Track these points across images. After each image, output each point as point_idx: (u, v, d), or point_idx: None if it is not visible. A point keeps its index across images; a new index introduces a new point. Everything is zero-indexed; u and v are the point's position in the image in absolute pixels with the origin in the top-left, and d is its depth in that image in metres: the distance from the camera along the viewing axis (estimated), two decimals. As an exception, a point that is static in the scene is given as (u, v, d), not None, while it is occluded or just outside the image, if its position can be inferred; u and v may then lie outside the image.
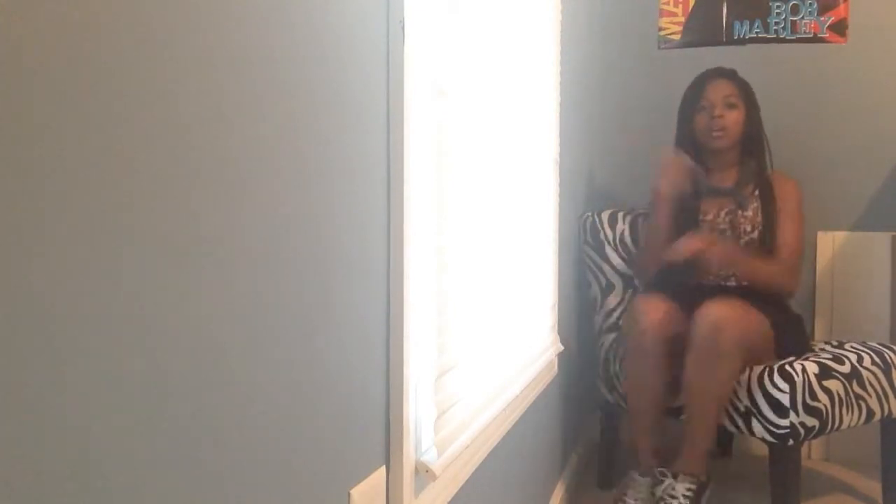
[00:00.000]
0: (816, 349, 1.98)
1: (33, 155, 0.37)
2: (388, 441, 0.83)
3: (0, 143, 0.35)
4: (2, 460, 0.35)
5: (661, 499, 1.78)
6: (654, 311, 1.85)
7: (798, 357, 1.86)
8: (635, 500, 1.87)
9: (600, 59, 2.66)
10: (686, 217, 2.03)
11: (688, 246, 1.87)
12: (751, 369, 1.79)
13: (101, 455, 0.41)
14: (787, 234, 1.98)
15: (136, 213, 0.44)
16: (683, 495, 1.76)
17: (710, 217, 2.02)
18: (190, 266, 0.49)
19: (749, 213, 2.00)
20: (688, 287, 2.05)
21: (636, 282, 2.26)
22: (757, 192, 2.02)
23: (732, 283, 2.00)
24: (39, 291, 0.37)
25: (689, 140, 2.07)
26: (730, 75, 2.05)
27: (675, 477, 1.78)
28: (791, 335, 1.91)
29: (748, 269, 1.94)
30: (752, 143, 2.03)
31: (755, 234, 1.98)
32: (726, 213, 2.01)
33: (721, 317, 1.72)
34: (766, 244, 1.97)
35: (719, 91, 2.01)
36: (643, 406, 1.88)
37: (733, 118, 2.00)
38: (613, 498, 1.93)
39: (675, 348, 1.85)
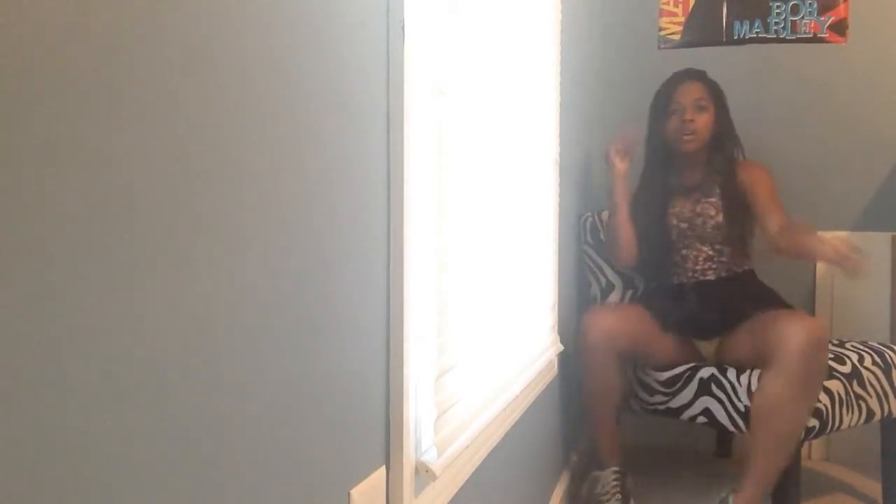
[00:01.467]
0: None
1: (32, 155, 0.37)
2: (388, 441, 0.83)
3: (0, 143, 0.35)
4: (2, 461, 0.35)
5: None
6: (599, 327, 1.86)
7: None
8: (605, 492, 1.92)
9: (600, 59, 2.66)
10: (652, 212, 2.06)
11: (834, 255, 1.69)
12: (751, 370, 1.79)
13: (101, 455, 0.41)
14: (778, 216, 1.95)
15: (135, 213, 0.44)
16: None
17: (676, 209, 2.05)
18: (188, 265, 0.49)
19: (713, 198, 2.02)
20: (666, 288, 2.05)
21: (636, 281, 2.26)
22: (720, 179, 2.04)
23: (711, 276, 2.01)
24: (38, 292, 0.37)
25: (659, 141, 2.10)
26: (699, 77, 2.07)
27: None
28: None
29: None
30: (721, 141, 2.05)
31: (720, 218, 1.99)
32: (693, 203, 2.04)
33: (817, 335, 1.60)
34: (733, 223, 1.98)
35: (689, 94, 2.03)
36: (601, 414, 1.93)
37: (703, 121, 2.02)
38: (588, 501, 1.96)
39: (627, 356, 1.91)
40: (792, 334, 1.62)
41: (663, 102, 2.07)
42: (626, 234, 2.07)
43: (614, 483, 1.92)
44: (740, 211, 2.00)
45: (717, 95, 2.05)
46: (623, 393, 1.95)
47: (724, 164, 2.04)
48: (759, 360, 1.75)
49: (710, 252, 2.01)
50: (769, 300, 1.94)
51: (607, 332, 1.85)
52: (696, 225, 2.01)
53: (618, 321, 1.87)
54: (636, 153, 2.11)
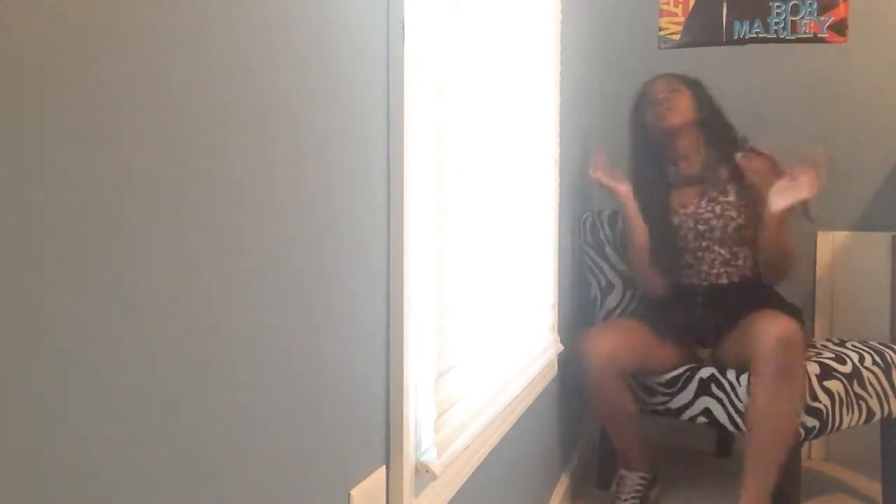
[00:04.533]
0: (818, 345, 1.98)
1: (33, 156, 0.37)
2: (388, 441, 0.83)
3: (0, 143, 0.35)
4: (3, 464, 0.35)
5: None
6: (599, 350, 1.82)
7: None
8: (626, 498, 1.90)
9: (600, 60, 2.66)
10: (656, 213, 2.01)
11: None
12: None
13: (102, 456, 0.41)
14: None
15: (135, 215, 0.44)
16: None
17: (690, 209, 1.99)
18: (190, 266, 0.49)
19: (731, 198, 1.96)
20: (678, 292, 2.03)
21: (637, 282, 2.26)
22: (729, 176, 1.98)
23: (724, 280, 1.97)
24: (40, 294, 0.37)
25: (646, 142, 2.06)
26: (671, 74, 2.06)
27: None
28: None
29: (783, 237, 1.85)
30: (710, 126, 2.01)
31: (741, 220, 1.94)
32: (708, 201, 1.98)
33: (786, 332, 1.63)
34: (755, 224, 1.92)
35: (661, 84, 2.02)
36: (616, 426, 1.91)
37: (679, 99, 1.98)
38: (611, 501, 1.95)
39: (632, 370, 1.87)
40: (761, 338, 1.66)
41: (639, 101, 2.07)
42: (644, 241, 2.02)
43: (637, 489, 1.91)
44: (760, 211, 1.92)
45: (691, 82, 2.03)
46: (635, 403, 1.91)
47: (724, 153, 1.99)
48: (745, 365, 1.76)
49: (727, 255, 1.96)
50: (773, 304, 1.93)
51: (608, 353, 1.81)
52: (716, 227, 1.95)
53: (616, 339, 1.83)
54: (620, 172, 2.07)
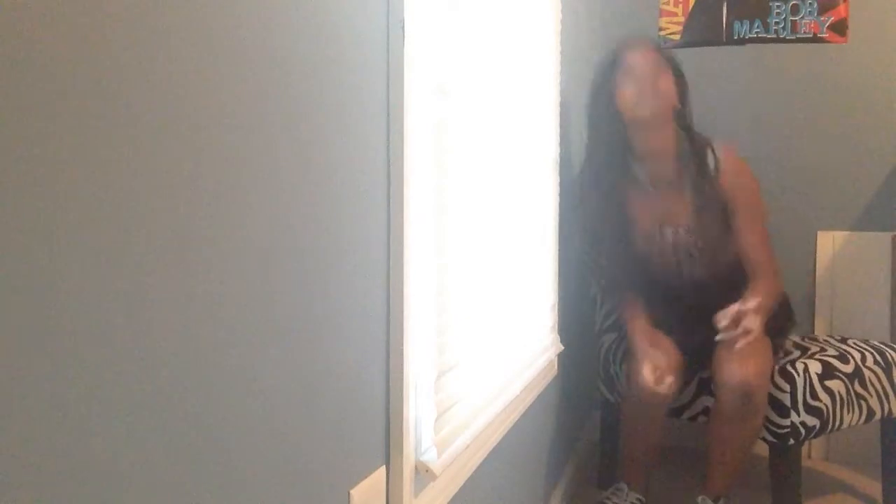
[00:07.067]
0: (820, 339, 1.99)
1: (33, 154, 0.37)
2: (388, 441, 0.83)
3: (0, 141, 0.35)
4: (5, 463, 0.35)
5: None
6: (647, 379, 1.71)
7: (783, 337, 1.87)
8: None
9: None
10: (621, 220, 1.86)
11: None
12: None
13: (100, 455, 0.41)
14: (752, 235, 1.76)
15: (135, 213, 0.44)
16: None
17: (681, 222, 1.81)
18: (190, 266, 0.49)
19: (705, 218, 1.79)
20: (678, 299, 1.97)
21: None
22: (701, 183, 1.73)
23: (706, 278, 1.91)
24: (39, 291, 0.37)
25: (614, 129, 1.74)
26: (648, 43, 1.76)
27: (716, 501, 1.76)
28: (779, 322, 1.87)
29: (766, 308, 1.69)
30: (684, 121, 1.75)
31: (701, 244, 1.81)
32: (694, 213, 1.78)
33: (749, 380, 1.62)
34: (717, 246, 1.81)
35: (643, 58, 1.70)
36: (639, 449, 1.89)
37: (666, 81, 1.69)
38: (598, 500, 1.94)
39: (671, 401, 1.82)
40: (727, 379, 1.65)
41: (611, 73, 1.74)
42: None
43: None
44: (722, 232, 1.79)
45: (675, 67, 1.75)
46: (664, 433, 1.89)
47: (698, 151, 1.73)
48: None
49: (707, 259, 1.87)
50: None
51: (653, 387, 1.71)
52: (706, 247, 1.84)
53: (668, 368, 1.73)
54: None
